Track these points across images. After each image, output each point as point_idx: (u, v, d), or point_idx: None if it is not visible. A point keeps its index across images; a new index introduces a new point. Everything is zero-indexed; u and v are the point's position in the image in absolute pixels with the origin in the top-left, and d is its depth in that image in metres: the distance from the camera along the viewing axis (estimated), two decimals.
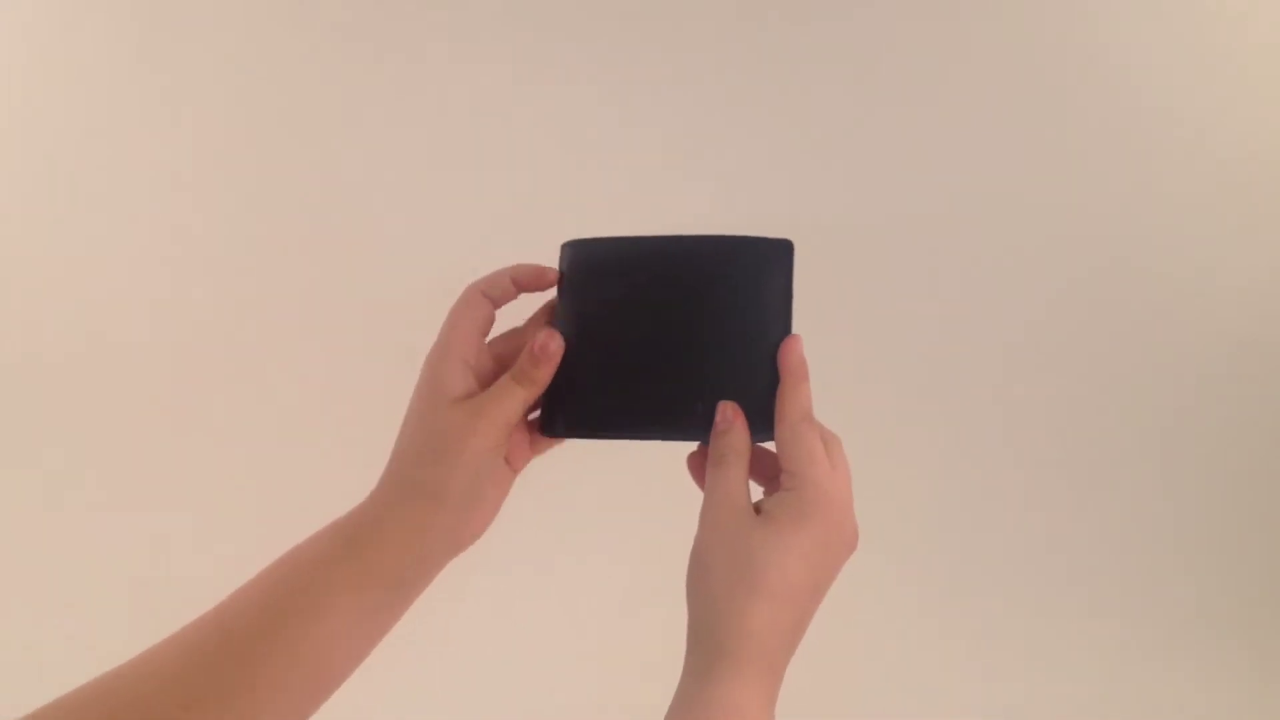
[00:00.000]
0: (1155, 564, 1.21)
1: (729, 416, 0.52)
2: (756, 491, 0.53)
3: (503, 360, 0.55)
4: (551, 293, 0.57)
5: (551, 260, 0.58)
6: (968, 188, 1.21)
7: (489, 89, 1.20)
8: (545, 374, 0.52)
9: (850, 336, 1.19)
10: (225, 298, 1.19)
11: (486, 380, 0.53)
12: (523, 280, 0.55)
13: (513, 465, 0.54)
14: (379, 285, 1.18)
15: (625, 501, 1.11)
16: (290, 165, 1.20)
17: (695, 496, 0.52)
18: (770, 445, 0.53)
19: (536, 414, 0.56)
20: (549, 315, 0.56)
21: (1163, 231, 1.21)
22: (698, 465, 0.54)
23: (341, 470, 1.15)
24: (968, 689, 1.17)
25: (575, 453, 0.57)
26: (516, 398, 0.52)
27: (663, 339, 0.54)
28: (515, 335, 0.57)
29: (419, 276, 1.16)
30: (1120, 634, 1.19)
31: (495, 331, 0.57)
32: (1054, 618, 1.19)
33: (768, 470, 0.54)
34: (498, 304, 0.55)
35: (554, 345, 0.53)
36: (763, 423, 0.52)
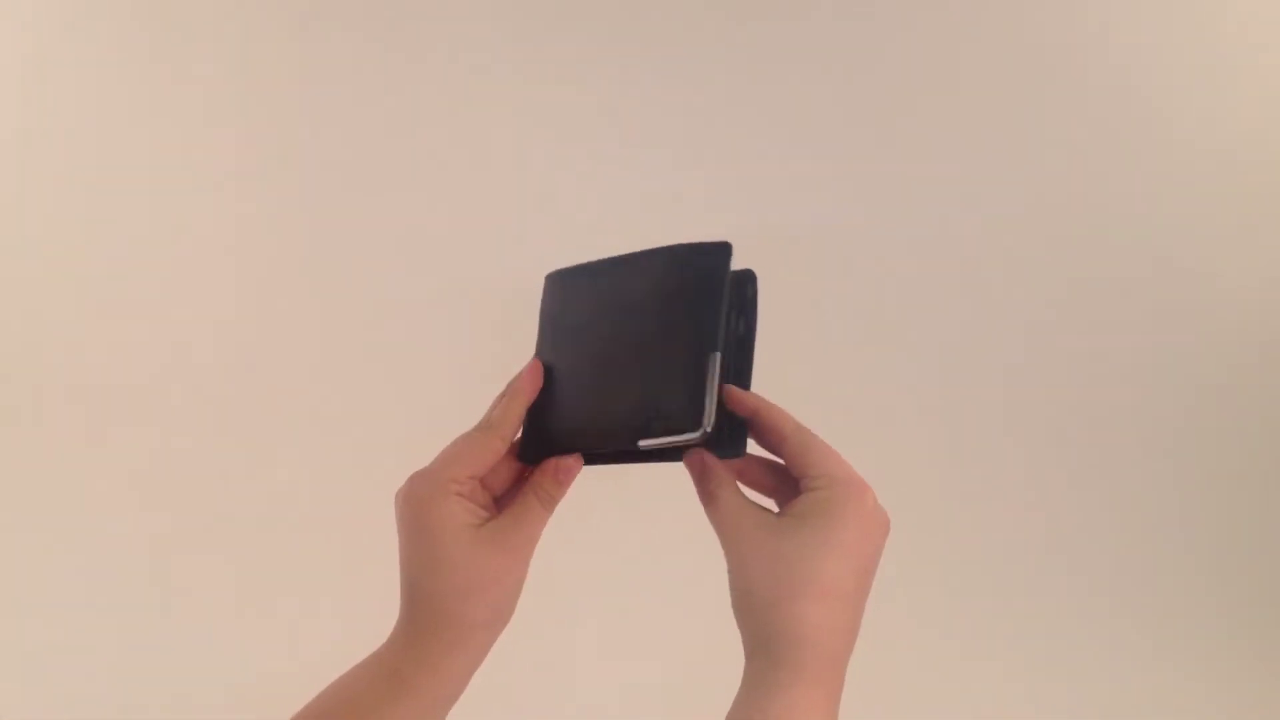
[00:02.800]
0: (1156, 564, 1.20)
1: (696, 463, 0.52)
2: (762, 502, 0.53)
3: (487, 480, 0.54)
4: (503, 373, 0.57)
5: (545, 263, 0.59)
6: (968, 188, 1.21)
7: (491, 91, 1.21)
8: (565, 491, 0.53)
9: (851, 338, 1.19)
10: (227, 297, 1.19)
11: (478, 498, 0.53)
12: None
13: None
14: (380, 285, 1.19)
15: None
16: (290, 166, 1.20)
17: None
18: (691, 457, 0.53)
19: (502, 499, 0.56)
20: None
21: (1164, 233, 1.21)
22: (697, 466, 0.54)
23: (342, 468, 1.16)
24: (968, 689, 1.16)
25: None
26: (540, 520, 0.52)
27: (614, 357, 0.54)
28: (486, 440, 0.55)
29: (418, 277, 1.17)
30: (1120, 635, 1.19)
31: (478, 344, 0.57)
32: (1054, 618, 1.19)
33: (772, 482, 0.53)
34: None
35: (577, 467, 0.53)
36: (695, 415, 0.52)
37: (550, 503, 0.52)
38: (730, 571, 0.49)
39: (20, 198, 1.20)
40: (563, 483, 0.53)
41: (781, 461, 0.53)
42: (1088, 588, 1.20)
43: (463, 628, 0.50)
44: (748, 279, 0.55)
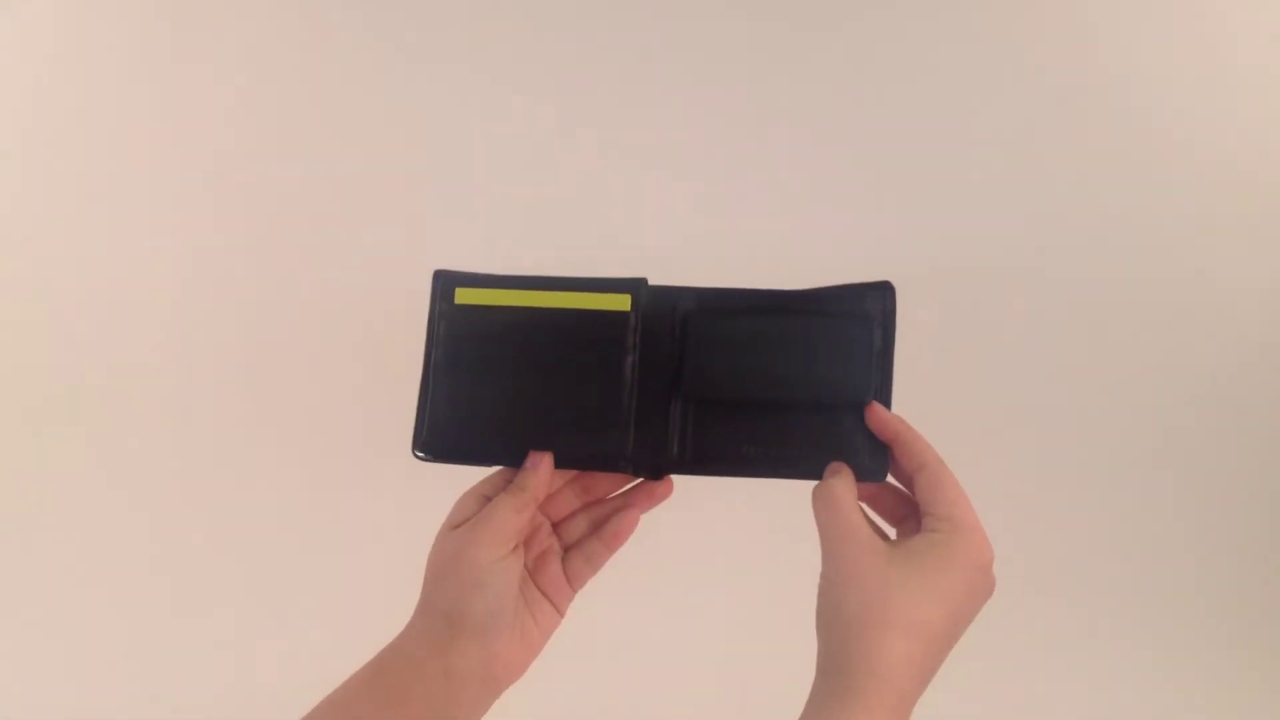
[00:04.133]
0: (1154, 568, 1.20)
1: (835, 468, 0.53)
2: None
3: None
4: None
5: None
6: (967, 193, 1.21)
7: (500, 94, 1.20)
8: (534, 481, 0.53)
9: None
10: (231, 300, 1.19)
11: None
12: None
13: (554, 601, 0.55)
14: (383, 288, 1.19)
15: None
16: (294, 168, 1.20)
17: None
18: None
19: (569, 549, 0.57)
20: None
21: (1164, 237, 1.21)
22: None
23: (340, 464, 1.16)
24: (966, 691, 1.16)
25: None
26: (506, 505, 0.52)
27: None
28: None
29: (419, 278, 1.17)
30: (1117, 638, 1.19)
31: None
32: (1052, 621, 1.19)
33: (897, 510, 0.54)
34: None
35: (546, 462, 0.54)
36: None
37: (518, 490, 0.53)
38: (824, 580, 0.49)
39: (21, 196, 1.20)
40: (527, 468, 0.53)
41: (908, 493, 0.53)
42: (1086, 590, 1.20)
43: (430, 616, 0.51)
44: (885, 291, 0.56)
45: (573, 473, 0.57)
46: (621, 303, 0.56)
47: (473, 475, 0.56)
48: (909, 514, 0.53)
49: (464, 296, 0.57)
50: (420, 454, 0.56)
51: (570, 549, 0.57)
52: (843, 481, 0.51)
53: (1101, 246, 1.21)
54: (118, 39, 1.20)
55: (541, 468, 0.54)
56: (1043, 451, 1.21)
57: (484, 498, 0.54)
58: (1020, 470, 1.20)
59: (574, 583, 0.56)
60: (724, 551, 1.14)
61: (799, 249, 1.17)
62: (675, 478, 0.57)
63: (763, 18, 1.20)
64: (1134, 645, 1.19)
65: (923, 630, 0.46)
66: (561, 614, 0.56)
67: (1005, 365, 1.21)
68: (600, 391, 0.55)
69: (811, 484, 0.53)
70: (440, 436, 0.56)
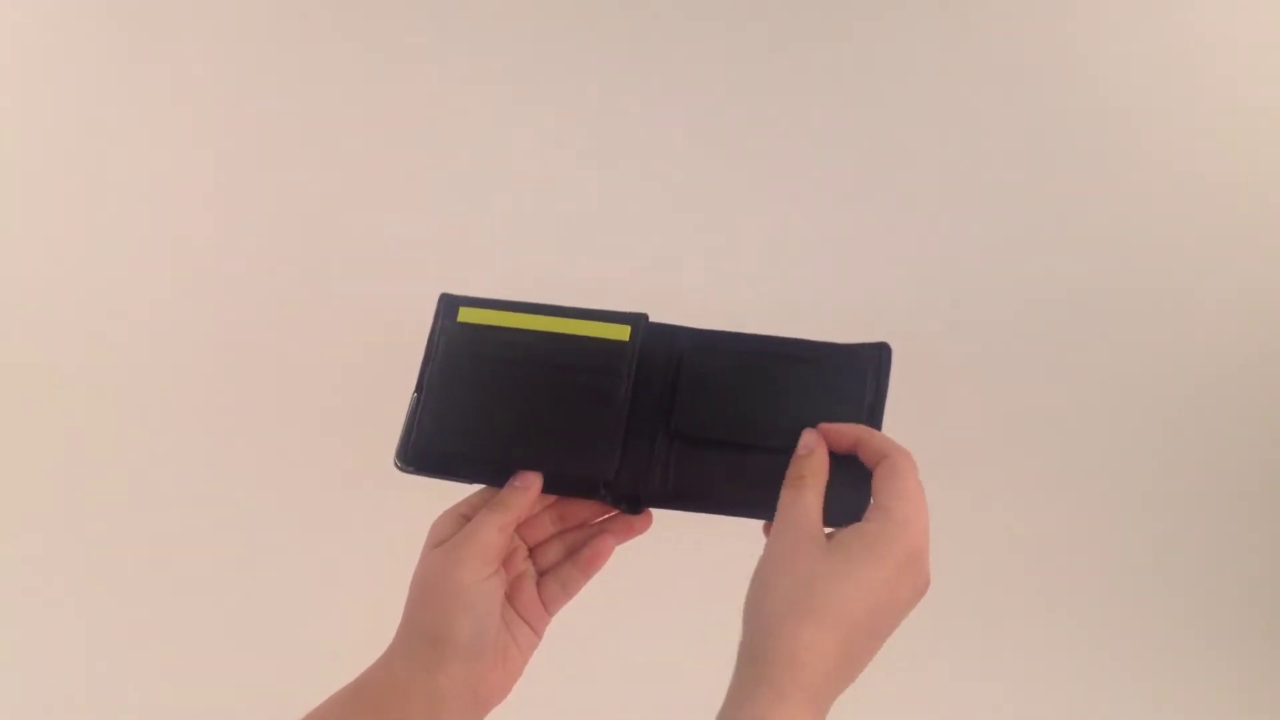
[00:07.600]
0: (1150, 574, 1.20)
1: (810, 442, 0.53)
2: None
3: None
4: None
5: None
6: (964, 197, 1.21)
7: (507, 103, 1.21)
8: (520, 500, 0.53)
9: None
10: (223, 301, 1.19)
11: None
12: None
13: (531, 624, 0.55)
14: (380, 289, 1.19)
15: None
16: (292, 172, 1.20)
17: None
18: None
19: (544, 574, 0.57)
20: None
21: (1157, 245, 1.22)
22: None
23: (344, 478, 1.16)
24: (960, 696, 1.16)
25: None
26: (490, 524, 0.52)
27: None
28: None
29: (415, 280, 1.17)
30: (1113, 644, 1.19)
31: None
32: (1048, 625, 1.19)
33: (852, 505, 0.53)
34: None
35: (537, 484, 0.54)
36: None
37: (502, 508, 0.53)
38: (759, 565, 0.49)
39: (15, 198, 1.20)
40: (516, 490, 0.53)
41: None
42: (1081, 595, 1.20)
43: (414, 637, 0.50)
44: (881, 350, 0.57)
45: (552, 498, 0.57)
46: (621, 333, 0.57)
47: (450, 494, 0.56)
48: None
49: (466, 316, 0.58)
50: (401, 464, 0.56)
51: (545, 574, 0.57)
52: (814, 486, 0.51)
53: (1098, 263, 1.22)
54: (107, 34, 1.20)
55: (532, 489, 0.54)
56: (1037, 466, 1.22)
57: (463, 517, 0.54)
58: (1013, 489, 1.21)
59: (549, 607, 0.56)
60: (704, 566, 1.14)
61: (801, 292, 1.18)
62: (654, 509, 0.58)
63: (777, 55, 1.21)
64: (1131, 650, 1.19)
65: (842, 621, 0.45)
66: (539, 636, 0.56)
67: (1002, 372, 1.21)
68: (591, 416, 0.56)
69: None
70: (424, 450, 0.56)
